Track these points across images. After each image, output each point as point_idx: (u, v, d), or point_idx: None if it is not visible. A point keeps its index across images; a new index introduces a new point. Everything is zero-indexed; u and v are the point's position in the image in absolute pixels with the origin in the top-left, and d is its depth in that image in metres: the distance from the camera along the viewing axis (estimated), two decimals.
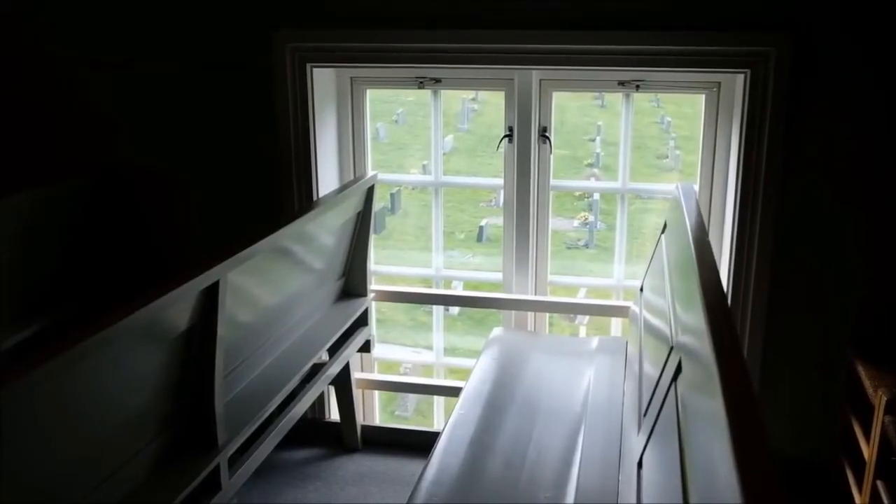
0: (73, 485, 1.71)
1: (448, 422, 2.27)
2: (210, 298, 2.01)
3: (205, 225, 3.09)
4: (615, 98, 3.10)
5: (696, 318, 1.60)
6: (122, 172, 3.08)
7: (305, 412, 2.87)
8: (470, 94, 8.72)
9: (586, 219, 9.02)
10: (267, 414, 2.43)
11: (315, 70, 2.90)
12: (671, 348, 1.81)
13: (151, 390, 1.93)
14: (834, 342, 2.74)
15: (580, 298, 4.05)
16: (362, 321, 3.10)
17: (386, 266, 3.44)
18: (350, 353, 3.00)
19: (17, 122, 3.16)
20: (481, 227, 7.72)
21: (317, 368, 2.80)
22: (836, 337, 2.74)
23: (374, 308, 3.32)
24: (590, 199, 9.07)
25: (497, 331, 2.91)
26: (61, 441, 1.64)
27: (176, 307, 1.89)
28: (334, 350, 2.90)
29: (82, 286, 2.95)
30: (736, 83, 2.76)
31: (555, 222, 3.21)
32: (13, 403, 1.47)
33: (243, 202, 3.02)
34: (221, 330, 2.05)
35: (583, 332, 6.02)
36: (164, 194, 3.12)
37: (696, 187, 2.89)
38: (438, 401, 3.65)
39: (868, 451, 2.41)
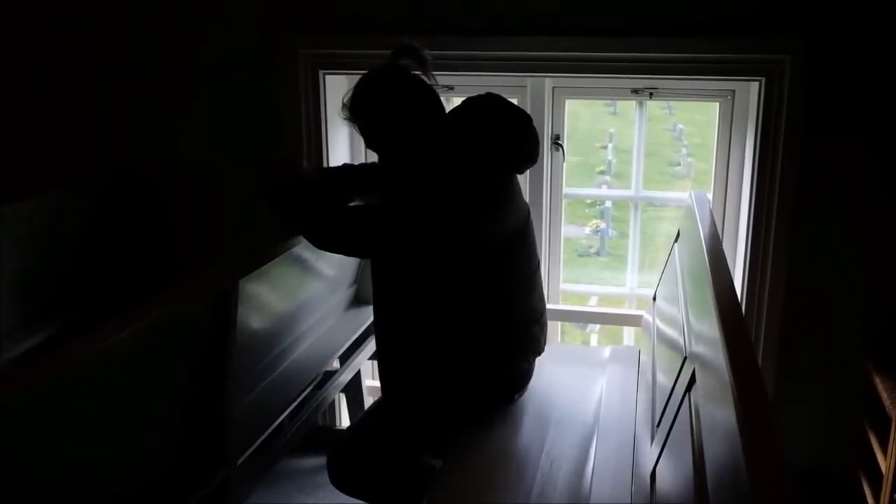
0: (80, 492, 1.70)
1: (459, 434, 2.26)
2: (223, 305, 2.01)
3: (217, 231, 3.10)
4: (627, 105, 3.09)
5: (710, 327, 1.58)
6: (132, 177, 3.09)
7: (316, 420, 2.87)
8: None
9: (598, 226, 9.00)
10: (278, 421, 2.42)
11: (328, 77, 2.91)
12: (685, 358, 1.80)
13: (161, 397, 1.93)
14: (850, 353, 2.72)
15: (593, 307, 4.03)
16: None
17: None
18: (361, 361, 2.99)
19: (24, 126, 3.17)
20: None
21: (328, 376, 2.80)
22: (852, 347, 2.71)
23: None
24: (601, 207, 9.06)
25: None
26: (67, 448, 1.64)
27: (188, 314, 1.89)
28: (346, 357, 2.89)
29: (93, 291, 2.95)
30: (751, 91, 2.75)
31: (566, 230, 3.20)
32: (18, 411, 1.47)
33: (255, 208, 3.01)
34: (234, 337, 2.05)
35: (594, 340, 6.00)
36: (175, 200, 3.13)
37: (710, 195, 2.87)
38: None
39: (885, 464, 2.38)
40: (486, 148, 2.07)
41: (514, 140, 2.13)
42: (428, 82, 2.09)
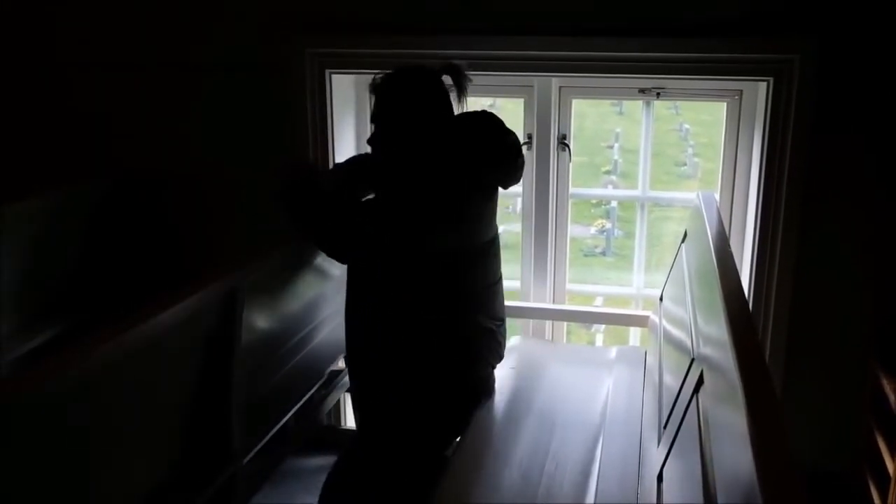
0: (87, 492, 1.70)
1: (465, 432, 2.26)
2: (229, 305, 2.01)
3: (222, 231, 3.09)
4: (633, 105, 3.08)
5: (718, 329, 1.58)
6: (136, 177, 3.09)
7: (322, 419, 2.87)
8: (488, 100, 8.71)
9: (603, 226, 8.97)
10: (284, 420, 2.42)
11: (334, 76, 2.90)
12: (692, 360, 1.79)
13: (167, 396, 1.93)
14: (857, 353, 2.71)
15: (599, 307, 4.02)
16: None
17: None
18: None
19: (27, 127, 3.17)
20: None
21: (334, 375, 2.79)
22: (859, 348, 2.70)
23: None
24: (607, 206, 9.03)
25: (514, 339, 2.89)
26: (74, 447, 1.63)
27: (194, 314, 1.88)
28: None
29: (97, 292, 2.94)
30: (758, 91, 2.73)
31: (572, 229, 3.19)
32: (26, 411, 1.47)
33: (261, 208, 3.01)
34: (239, 337, 2.05)
35: (599, 340, 5.99)
36: (180, 199, 3.13)
37: (717, 196, 2.86)
38: None
39: (892, 464, 2.37)
40: (483, 159, 2.21)
41: (508, 155, 2.28)
42: (450, 96, 2.24)
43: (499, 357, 2.40)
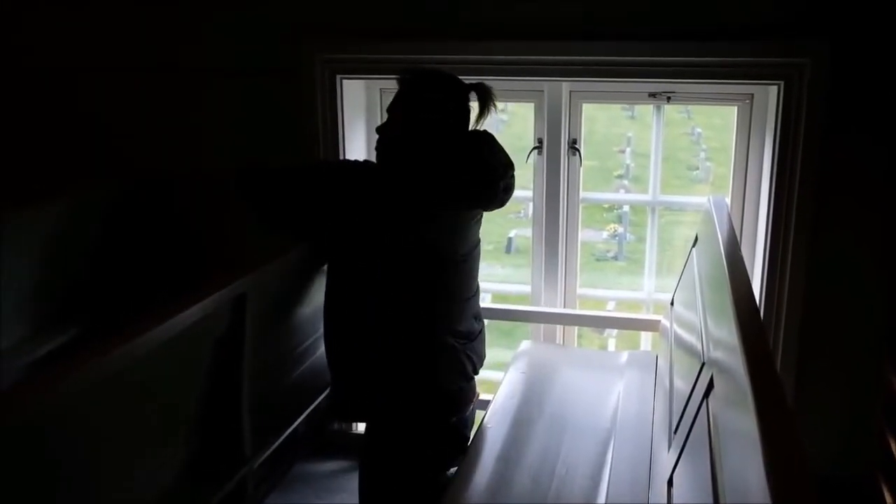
0: (96, 494, 1.71)
1: (475, 436, 2.26)
2: (238, 309, 2.01)
3: (231, 236, 3.10)
4: (645, 109, 3.07)
5: (728, 333, 1.57)
6: (148, 182, 3.10)
7: (331, 424, 2.87)
8: (499, 105, 8.68)
9: (615, 230, 8.96)
10: (294, 425, 2.43)
11: (345, 81, 2.91)
12: (702, 364, 1.79)
13: (177, 400, 1.94)
14: (870, 358, 2.69)
15: (610, 312, 4.01)
16: None
17: None
18: None
19: (40, 132, 3.19)
20: (510, 239, 7.69)
21: None
22: (872, 352, 2.68)
23: None
24: (619, 211, 9.01)
25: (525, 344, 2.89)
26: (84, 451, 1.64)
27: (203, 318, 1.89)
28: None
29: (109, 296, 2.95)
30: (769, 95, 2.72)
31: (583, 234, 3.19)
32: (37, 416, 1.48)
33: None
34: (249, 341, 2.05)
35: (611, 344, 5.97)
36: (190, 205, 3.14)
37: (728, 200, 2.85)
38: None
39: None
40: (457, 171, 2.13)
41: (485, 173, 2.14)
42: (470, 114, 2.22)
43: (464, 376, 2.23)
